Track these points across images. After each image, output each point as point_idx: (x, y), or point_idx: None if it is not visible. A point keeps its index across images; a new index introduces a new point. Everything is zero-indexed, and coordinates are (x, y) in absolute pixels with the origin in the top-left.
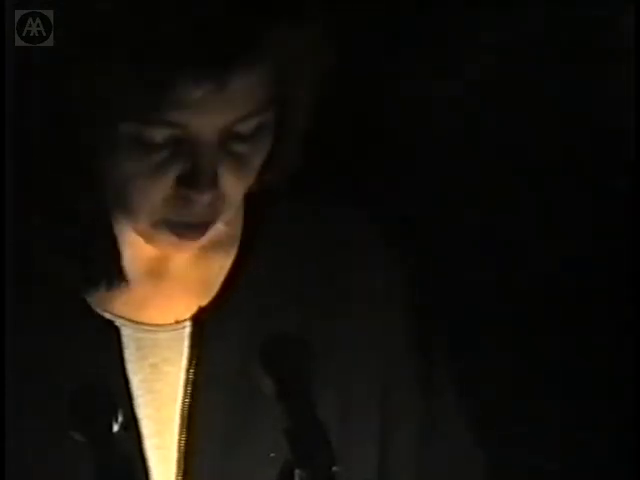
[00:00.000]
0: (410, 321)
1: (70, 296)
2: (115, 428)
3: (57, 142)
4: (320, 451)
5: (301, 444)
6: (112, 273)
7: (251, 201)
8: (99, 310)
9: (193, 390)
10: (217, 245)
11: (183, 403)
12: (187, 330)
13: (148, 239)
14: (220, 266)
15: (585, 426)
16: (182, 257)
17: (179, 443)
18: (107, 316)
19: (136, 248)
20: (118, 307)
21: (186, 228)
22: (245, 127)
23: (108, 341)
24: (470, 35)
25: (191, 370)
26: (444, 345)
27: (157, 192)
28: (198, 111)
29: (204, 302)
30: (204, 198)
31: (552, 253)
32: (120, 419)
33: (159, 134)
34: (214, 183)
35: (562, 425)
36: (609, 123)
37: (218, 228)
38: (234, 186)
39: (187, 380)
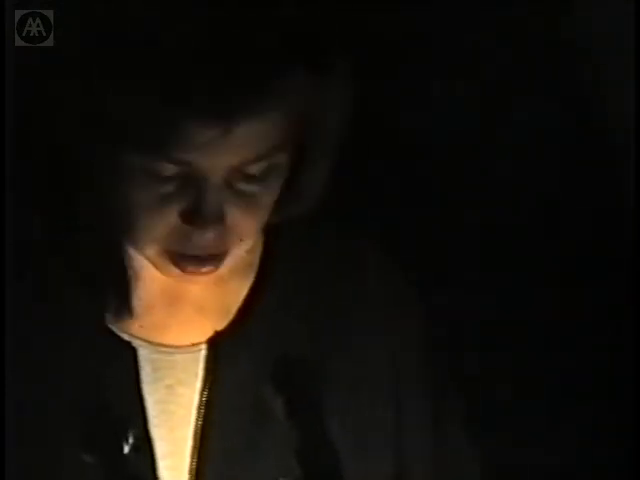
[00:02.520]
0: (423, 345)
1: (89, 316)
2: (126, 450)
3: (57, 149)
4: (330, 471)
5: (311, 464)
6: (121, 308)
7: (269, 229)
8: (117, 331)
9: (206, 412)
10: (235, 271)
11: (196, 425)
12: (202, 353)
13: (157, 268)
14: (237, 292)
15: (597, 441)
16: (200, 282)
17: (191, 465)
18: (125, 337)
19: (154, 272)
20: (136, 329)
21: (190, 261)
22: (254, 169)
23: (125, 361)
24: (470, 35)
25: (205, 392)
26: (458, 367)
27: (161, 224)
28: (205, 152)
29: (220, 326)
30: (206, 235)
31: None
32: (131, 440)
33: (166, 169)
34: (218, 220)
35: (565, 429)
36: (609, 123)
37: (237, 256)
38: (243, 223)
39: (201, 402)
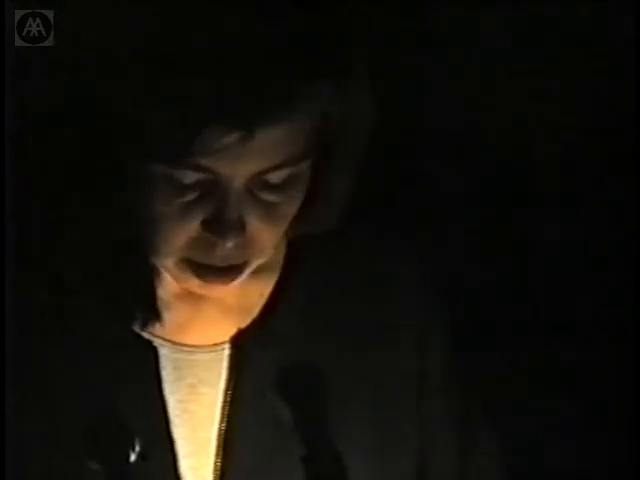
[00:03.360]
0: (445, 360)
1: (109, 316)
2: (132, 458)
3: (62, 141)
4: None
5: (317, 471)
6: (146, 314)
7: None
8: (137, 330)
9: (230, 412)
10: (258, 272)
11: (220, 424)
12: (226, 352)
13: (175, 278)
14: (260, 293)
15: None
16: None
17: (215, 465)
18: (146, 336)
19: None
20: (157, 328)
21: (210, 271)
22: (275, 177)
23: (146, 361)
24: (470, 35)
25: (229, 392)
26: (480, 382)
27: (182, 233)
28: (227, 158)
29: (243, 325)
30: (227, 244)
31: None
32: (137, 449)
33: (187, 177)
34: (239, 229)
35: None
36: (609, 123)
37: (256, 265)
38: (263, 233)
39: (225, 401)
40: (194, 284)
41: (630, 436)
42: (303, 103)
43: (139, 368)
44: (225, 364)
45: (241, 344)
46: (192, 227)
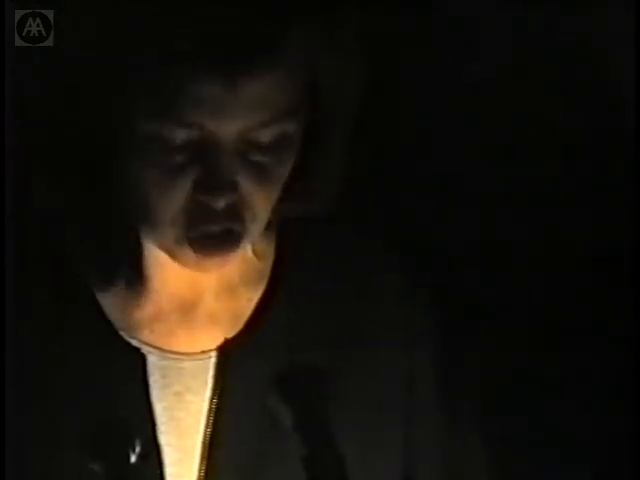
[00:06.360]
0: (438, 362)
1: (98, 321)
2: (133, 459)
3: (61, 140)
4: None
5: (318, 474)
6: (131, 273)
7: (282, 236)
8: (126, 337)
9: (215, 420)
10: (246, 279)
11: (205, 432)
12: (212, 360)
13: (174, 255)
14: (248, 300)
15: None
16: (211, 289)
17: (199, 472)
18: (134, 343)
19: (167, 277)
20: (146, 335)
21: (206, 242)
22: (265, 135)
23: (134, 368)
24: (469, 35)
25: (214, 400)
26: (472, 382)
27: (176, 198)
28: (214, 111)
29: (231, 334)
30: (220, 202)
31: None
32: (138, 449)
33: (177, 136)
34: (232, 188)
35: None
36: (609, 123)
37: (247, 255)
38: (255, 195)
39: (210, 410)
40: (190, 259)
41: (630, 436)
42: (286, 54)
43: (127, 375)
44: (211, 372)
45: (228, 352)
46: (185, 190)
